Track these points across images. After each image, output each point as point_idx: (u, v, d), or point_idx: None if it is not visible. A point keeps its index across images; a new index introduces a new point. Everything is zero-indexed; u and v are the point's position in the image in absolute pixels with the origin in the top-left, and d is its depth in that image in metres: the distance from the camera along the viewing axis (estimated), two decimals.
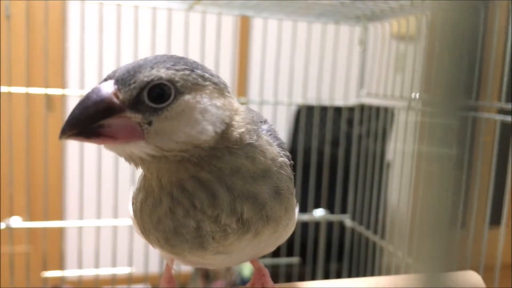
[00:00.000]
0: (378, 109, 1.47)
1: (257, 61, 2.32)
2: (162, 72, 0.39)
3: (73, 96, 1.13)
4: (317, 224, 1.35)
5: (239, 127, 0.43)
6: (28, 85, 1.06)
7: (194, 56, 1.17)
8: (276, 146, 0.47)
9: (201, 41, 1.16)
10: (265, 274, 0.54)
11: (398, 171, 1.26)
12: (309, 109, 1.59)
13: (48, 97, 1.10)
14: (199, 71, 0.42)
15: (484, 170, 0.93)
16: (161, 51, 1.16)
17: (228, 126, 0.42)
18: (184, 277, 2.19)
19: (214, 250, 0.45)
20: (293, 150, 1.90)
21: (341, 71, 1.34)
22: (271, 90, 1.30)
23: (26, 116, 1.08)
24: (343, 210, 1.40)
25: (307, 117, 1.55)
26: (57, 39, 2.12)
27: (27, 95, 1.06)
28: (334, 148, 1.48)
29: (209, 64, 1.18)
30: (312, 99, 1.33)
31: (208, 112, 0.41)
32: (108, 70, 1.21)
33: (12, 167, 1.05)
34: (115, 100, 0.39)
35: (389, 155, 2.05)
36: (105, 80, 0.41)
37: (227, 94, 0.44)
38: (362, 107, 1.40)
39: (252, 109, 0.52)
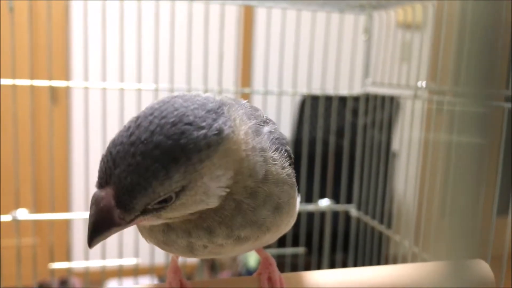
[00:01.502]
0: (383, 98, 1.46)
1: (261, 51, 2.31)
2: (157, 192, 0.39)
3: (77, 88, 1.13)
4: (322, 214, 1.35)
5: (248, 172, 0.43)
6: (32, 77, 1.06)
7: (198, 47, 1.17)
8: (281, 159, 0.46)
9: (204, 31, 1.15)
10: (271, 263, 0.54)
11: (405, 160, 1.26)
12: (314, 99, 1.58)
13: (52, 90, 1.09)
14: (195, 156, 0.38)
15: (491, 158, 0.93)
16: (164, 41, 1.16)
17: (235, 180, 0.42)
18: (190, 268, 2.20)
19: (206, 254, 0.47)
20: (297, 141, 1.90)
21: (346, 60, 1.33)
22: (275, 80, 1.29)
23: (30, 109, 1.08)
24: (349, 200, 1.39)
25: (311, 107, 1.54)
26: (60, 30, 2.12)
27: (31, 87, 1.06)
28: (339, 138, 1.47)
29: (213, 56, 1.18)
30: (316, 89, 1.32)
31: (210, 189, 0.41)
32: (112, 61, 1.21)
33: (18, 159, 1.06)
34: (122, 222, 0.41)
35: (395, 145, 2.04)
36: (105, 181, 0.40)
37: (226, 136, 0.40)
38: (367, 97, 1.39)
39: (251, 106, 0.50)
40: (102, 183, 0.40)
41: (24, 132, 1.12)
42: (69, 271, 1.35)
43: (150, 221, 0.42)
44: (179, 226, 0.44)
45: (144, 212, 0.41)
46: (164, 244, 0.46)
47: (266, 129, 0.47)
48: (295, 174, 0.50)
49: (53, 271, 1.18)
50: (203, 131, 0.38)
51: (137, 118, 0.40)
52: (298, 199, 0.54)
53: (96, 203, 0.40)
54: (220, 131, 0.39)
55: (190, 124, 0.38)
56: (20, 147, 1.07)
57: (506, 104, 0.87)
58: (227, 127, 0.40)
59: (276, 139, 0.47)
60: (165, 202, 0.40)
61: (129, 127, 0.40)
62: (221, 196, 0.42)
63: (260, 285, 0.51)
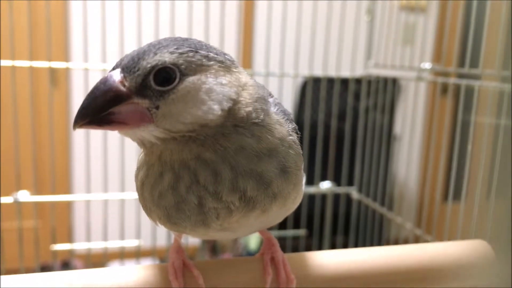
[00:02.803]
0: (386, 80, 1.45)
1: (263, 32, 2.29)
2: (166, 57, 0.41)
3: (76, 69, 1.12)
4: (323, 196, 1.35)
5: (246, 104, 0.43)
6: (32, 58, 1.05)
7: (198, 27, 1.16)
8: (286, 125, 0.47)
9: (205, 13, 1.13)
10: (274, 244, 0.54)
11: (406, 143, 1.25)
12: (316, 81, 1.57)
13: (52, 71, 1.09)
14: (203, 52, 0.42)
15: (488, 140, 0.92)
16: (164, 23, 1.15)
17: (235, 102, 0.43)
18: (192, 250, 2.22)
19: (218, 228, 0.45)
20: (299, 123, 1.88)
21: (348, 41, 1.32)
22: (277, 62, 1.28)
23: (30, 90, 1.07)
24: (350, 183, 1.39)
25: (313, 89, 1.53)
26: (59, 11, 2.10)
27: (31, 68, 1.05)
28: (341, 121, 1.47)
29: (214, 36, 1.17)
30: (318, 71, 1.31)
31: (214, 91, 0.41)
32: (111, 42, 1.20)
33: (18, 141, 1.05)
34: (122, 88, 0.41)
35: (397, 128, 2.04)
36: (113, 69, 0.42)
37: (234, 70, 0.44)
38: (369, 79, 1.38)
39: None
40: (112, 68, 0.42)
41: (24, 113, 1.11)
42: (71, 252, 1.36)
43: (144, 120, 0.41)
44: (181, 162, 0.43)
45: (144, 91, 0.41)
46: (176, 211, 0.44)
47: (271, 100, 0.48)
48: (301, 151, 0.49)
49: (55, 253, 1.18)
50: (214, 50, 0.44)
51: None
52: (304, 180, 0.54)
53: (99, 80, 0.42)
54: (227, 58, 0.44)
55: (202, 46, 0.44)
56: (21, 129, 1.06)
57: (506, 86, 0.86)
58: (234, 60, 0.45)
59: (282, 111, 0.48)
60: (167, 83, 0.40)
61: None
62: (223, 109, 0.41)
63: (263, 266, 0.51)
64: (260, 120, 0.44)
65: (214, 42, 1.22)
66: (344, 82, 1.41)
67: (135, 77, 0.41)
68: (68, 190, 2.25)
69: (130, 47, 1.23)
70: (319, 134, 1.30)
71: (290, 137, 0.47)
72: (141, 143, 0.43)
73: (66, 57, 2.10)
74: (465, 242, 0.60)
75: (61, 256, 1.84)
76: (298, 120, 1.94)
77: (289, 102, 1.87)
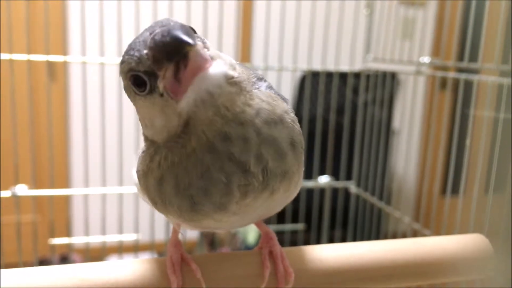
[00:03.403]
0: (384, 75, 1.45)
1: (261, 26, 2.28)
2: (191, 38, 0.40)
3: (74, 62, 1.12)
4: (322, 190, 1.35)
5: (243, 76, 0.44)
6: (29, 52, 1.04)
7: (196, 20, 1.15)
8: (284, 102, 0.48)
9: (203, 5, 1.13)
10: (272, 237, 0.53)
11: (405, 137, 1.25)
12: (314, 75, 1.57)
13: (50, 64, 1.08)
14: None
15: (487, 134, 0.92)
16: (163, 15, 1.14)
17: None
18: (190, 244, 2.22)
19: (233, 211, 0.45)
20: (297, 117, 1.89)
21: (347, 35, 1.31)
22: (276, 56, 1.28)
23: (28, 83, 1.07)
24: (348, 177, 1.39)
25: (312, 83, 1.53)
26: (57, 4, 2.09)
27: (29, 62, 1.04)
28: (340, 115, 1.47)
29: (212, 29, 1.17)
30: (317, 65, 1.31)
31: (226, 58, 0.44)
32: (109, 36, 1.19)
33: (17, 135, 1.05)
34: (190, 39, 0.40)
35: (395, 123, 2.04)
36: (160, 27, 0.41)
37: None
38: (368, 74, 1.38)
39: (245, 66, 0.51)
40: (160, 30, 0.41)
41: (23, 107, 1.11)
42: (69, 247, 1.36)
43: (207, 66, 0.41)
44: (218, 131, 0.42)
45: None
46: (204, 194, 0.43)
47: (263, 84, 0.48)
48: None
49: (53, 247, 1.18)
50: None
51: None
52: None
53: (166, 27, 0.41)
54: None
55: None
56: (19, 123, 1.06)
57: (505, 80, 0.86)
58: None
59: (276, 93, 0.49)
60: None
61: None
62: (234, 69, 0.43)
63: (262, 259, 0.51)
64: (258, 96, 0.45)
65: (212, 35, 1.22)
66: (343, 76, 1.41)
67: (198, 37, 0.43)
68: (66, 184, 2.25)
69: (128, 41, 1.23)
70: (318, 128, 1.30)
71: (292, 114, 0.48)
72: (199, 102, 0.42)
73: (64, 51, 2.09)
74: (463, 236, 0.60)
75: (60, 250, 1.84)
76: (297, 114, 1.93)
77: (287, 96, 1.87)
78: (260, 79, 0.49)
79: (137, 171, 0.48)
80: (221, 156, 0.42)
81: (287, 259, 0.51)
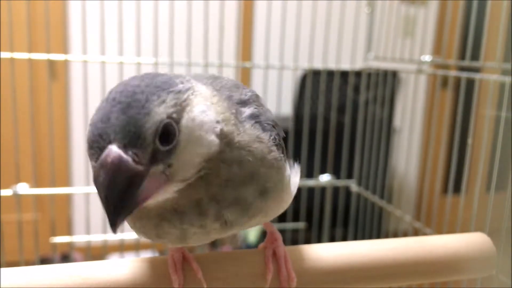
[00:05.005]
0: (385, 73, 1.45)
1: (262, 24, 2.28)
2: (159, 113, 0.37)
3: (75, 61, 1.12)
4: (323, 189, 1.35)
5: (225, 119, 0.42)
6: (30, 50, 1.04)
7: (198, 19, 1.15)
8: (266, 138, 0.45)
9: (204, 4, 1.13)
10: (277, 238, 0.53)
11: (406, 136, 1.25)
12: (315, 74, 1.57)
13: (51, 63, 1.08)
14: (175, 88, 0.40)
15: (488, 133, 0.92)
16: (164, 14, 1.14)
17: (219, 122, 0.41)
18: None
19: (197, 242, 0.46)
20: (298, 116, 1.89)
21: (348, 34, 1.31)
22: (277, 54, 1.28)
23: (29, 82, 1.07)
24: (349, 176, 1.39)
25: (313, 82, 1.53)
26: (58, 3, 2.09)
27: (30, 60, 1.04)
28: (341, 114, 1.47)
29: (213, 28, 1.16)
30: (318, 63, 1.31)
31: (204, 123, 0.40)
32: (110, 34, 1.19)
33: (18, 134, 1.05)
34: (139, 167, 0.37)
35: (396, 121, 2.03)
36: (102, 147, 0.37)
37: (196, 88, 0.42)
38: (369, 72, 1.38)
39: (226, 81, 0.49)
40: (99, 147, 0.37)
41: (24, 106, 1.11)
42: (70, 245, 1.36)
43: (163, 184, 0.39)
44: (176, 209, 0.42)
45: (156, 157, 0.38)
46: (157, 237, 0.45)
47: (247, 110, 0.46)
48: (285, 157, 0.48)
49: (55, 246, 1.18)
50: (177, 80, 0.41)
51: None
52: (296, 179, 0.53)
53: (101, 164, 0.36)
54: (188, 80, 0.42)
55: (167, 82, 0.40)
56: (20, 122, 1.06)
57: (507, 78, 0.86)
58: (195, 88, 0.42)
59: (258, 122, 0.46)
60: (169, 139, 0.38)
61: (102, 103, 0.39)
62: (217, 134, 0.40)
63: (265, 261, 0.51)
64: (239, 140, 0.43)
65: (213, 35, 1.22)
66: (344, 74, 1.41)
67: (145, 148, 0.37)
68: (67, 182, 2.25)
69: (129, 40, 1.23)
70: (319, 127, 1.30)
71: (272, 154, 0.45)
72: (162, 201, 0.42)
73: (65, 49, 2.09)
74: (465, 235, 0.60)
75: (61, 248, 1.84)
76: (298, 113, 1.93)
77: (288, 95, 1.87)
78: (243, 102, 0.46)
79: None
80: (169, 220, 0.43)
81: (290, 261, 0.51)
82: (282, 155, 0.47)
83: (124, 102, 0.37)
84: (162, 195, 0.40)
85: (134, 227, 0.46)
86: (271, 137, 0.46)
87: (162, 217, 0.43)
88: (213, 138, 0.40)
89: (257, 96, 0.49)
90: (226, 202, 0.43)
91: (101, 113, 0.38)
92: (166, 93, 0.39)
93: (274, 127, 0.47)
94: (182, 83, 0.40)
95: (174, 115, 0.38)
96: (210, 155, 0.40)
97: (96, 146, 0.37)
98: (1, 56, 1.01)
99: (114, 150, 0.36)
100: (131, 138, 0.36)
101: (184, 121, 0.39)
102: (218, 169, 0.41)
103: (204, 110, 0.40)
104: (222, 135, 0.41)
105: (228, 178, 0.42)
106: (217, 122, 0.41)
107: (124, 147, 0.36)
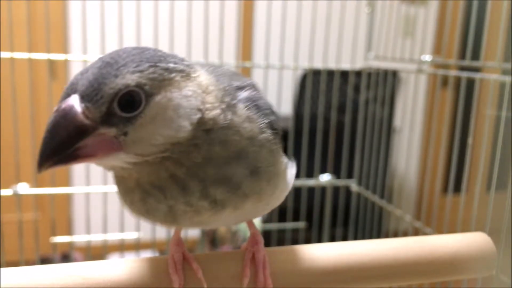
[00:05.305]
0: (386, 73, 1.45)
1: (262, 24, 2.28)
2: (128, 79, 0.37)
3: (75, 61, 1.12)
4: (323, 189, 1.35)
5: (213, 108, 0.41)
6: (31, 50, 1.04)
7: (198, 19, 1.15)
8: (258, 120, 0.45)
9: (204, 4, 1.13)
10: (258, 241, 0.51)
11: (406, 136, 1.25)
12: (315, 73, 1.57)
13: (51, 63, 1.08)
14: (162, 64, 0.39)
15: (489, 132, 0.92)
16: (164, 13, 1.14)
17: (202, 111, 0.41)
18: (191, 243, 2.22)
19: (188, 224, 0.45)
20: (299, 115, 1.89)
21: (348, 33, 1.31)
22: (277, 54, 1.28)
23: (29, 82, 1.07)
24: (349, 175, 1.39)
25: (313, 82, 1.53)
26: (58, 3, 2.09)
27: (30, 60, 1.04)
28: (341, 113, 1.47)
29: (213, 28, 1.16)
30: (318, 63, 1.31)
31: (181, 107, 0.39)
32: (110, 34, 1.19)
33: (18, 133, 1.05)
34: (86, 121, 0.37)
35: (397, 121, 2.03)
36: (67, 95, 0.38)
37: (193, 75, 0.41)
38: (369, 72, 1.38)
39: (227, 70, 0.49)
40: (66, 94, 0.38)
41: (24, 105, 1.11)
42: (71, 245, 1.36)
43: (112, 149, 0.38)
44: (152, 183, 0.42)
45: (109, 119, 0.37)
46: (147, 213, 0.44)
47: (243, 94, 0.46)
48: (280, 144, 0.47)
49: (55, 245, 1.18)
50: (172, 60, 0.41)
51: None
52: (292, 171, 0.52)
53: (56, 109, 0.37)
54: (186, 64, 0.41)
55: (157, 57, 0.40)
56: (20, 121, 1.06)
57: (507, 77, 0.86)
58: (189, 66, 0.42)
59: (254, 105, 0.45)
60: (132, 108, 0.37)
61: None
62: (192, 123, 0.39)
63: (243, 264, 0.50)
64: (227, 123, 0.42)
65: (214, 34, 1.22)
66: (344, 74, 1.41)
67: (99, 106, 0.37)
68: (67, 182, 2.25)
69: (129, 39, 1.23)
70: (319, 127, 1.30)
71: (263, 135, 0.44)
72: (112, 169, 0.42)
73: (65, 49, 2.09)
74: (465, 235, 0.60)
75: (61, 248, 1.84)
76: (298, 112, 1.93)
77: (288, 95, 1.87)
78: (241, 88, 0.46)
79: None
80: (152, 195, 0.42)
81: (268, 267, 0.50)
82: (276, 140, 0.46)
83: (105, 61, 0.38)
84: (110, 161, 0.39)
85: (125, 202, 0.45)
86: (266, 121, 0.45)
87: (145, 191, 0.42)
88: (185, 124, 0.39)
89: (255, 85, 0.49)
90: (210, 180, 0.42)
91: (85, 67, 0.40)
92: (148, 66, 0.39)
93: (273, 113, 0.47)
94: (175, 63, 0.40)
95: (147, 87, 0.38)
96: (177, 139, 0.39)
97: (64, 93, 0.38)
98: (1, 56, 1.01)
99: (71, 99, 0.37)
100: (90, 92, 0.37)
101: (159, 97, 0.38)
102: (188, 152, 0.41)
103: (188, 95, 0.40)
104: (200, 123, 0.40)
105: (208, 157, 0.41)
106: (199, 110, 0.40)
107: (82, 98, 0.37)
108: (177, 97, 0.39)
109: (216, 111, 0.41)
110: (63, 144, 0.37)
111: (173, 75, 0.39)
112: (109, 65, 0.38)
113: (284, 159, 0.49)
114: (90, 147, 0.38)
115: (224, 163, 0.42)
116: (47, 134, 0.37)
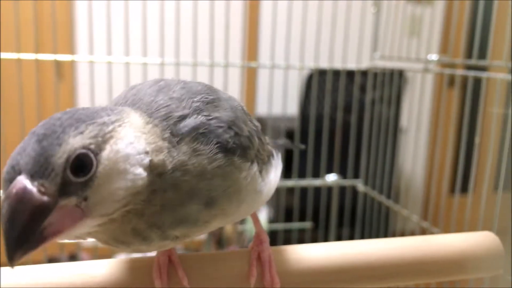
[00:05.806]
0: (392, 72, 1.44)
1: (268, 24, 2.28)
2: (73, 143, 0.36)
3: (82, 62, 1.12)
4: (329, 189, 1.35)
5: (159, 149, 0.40)
6: (37, 51, 1.05)
7: (204, 19, 1.15)
8: (206, 149, 0.42)
9: (210, 4, 1.13)
10: (263, 240, 0.51)
11: (413, 135, 1.24)
12: (321, 73, 1.57)
13: (57, 64, 1.09)
14: (98, 120, 0.38)
15: (496, 132, 0.92)
16: (170, 14, 1.14)
17: (149, 153, 0.39)
18: (198, 243, 2.22)
19: (160, 249, 0.44)
20: (304, 115, 1.88)
21: (354, 33, 1.31)
22: (282, 54, 1.28)
23: (36, 82, 1.08)
24: (356, 175, 1.39)
25: (319, 81, 1.53)
26: (65, 4, 2.10)
27: (37, 61, 1.05)
28: (347, 113, 1.46)
29: (219, 28, 1.17)
30: (324, 63, 1.30)
31: (130, 155, 0.38)
32: (116, 35, 1.19)
33: (24, 134, 1.05)
34: (44, 198, 0.35)
35: (403, 121, 2.03)
36: (12, 178, 0.35)
37: (126, 118, 0.40)
38: (375, 72, 1.38)
39: (171, 85, 0.46)
40: (9, 179, 0.35)
41: (30, 106, 1.11)
42: (78, 245, 1.36)
43: (77, 218, 0.37)
44: (116, 239, 0.41)
45: (66, 189, 0.36)
46: (121, 246, 0.43)
47: (188, 124, 0.42)
48: (244, 153, 0.45)
49: (62, 246, 1.19)
50: (103, 112, 0.39)
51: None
52: (278, 169, 0.52)
53: (6, 195, 0.34)
54: (115, 111, 0.40)
55: (90, 115, 0.38)
56: (27, 122, 1.07)
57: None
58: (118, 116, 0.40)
59: (201, 133, 0.42)
60: (85, 171, 0.36)
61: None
62: (145, 167, 0.38)
63: (249, 264, 0.50)
64: (174, 164, 0.40)
65: (219, 34, 1.22)
66: (350, 74, 1.40)
67: (53, 178, 0.35)
68: None
69: (136, 40, 1.23)
70: (325, 127, 1.30)
71: (213, 164, 0.42)
72: (81, 238, 0.40)
73: (71, 50, 2.10)
74: (472, 234, 0.59)
75: (69, 248, 1.85)
76: (304, 112, 1.93)
77: (294, 94, 1.86)
78: (183, 117, 0.43)
79: None
80: (122, 247, 0.42)
81: (275, 266, 0.50)
82: (234, 156, 0.44)
83: (41, 134, 0.36)
84: (78, 230, 0.38)
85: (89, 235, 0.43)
86: (218, 145, 0.42)
87: (112, 244, 0.42)
88: (139, 171, 0.38)
89: (208, 101, 0.45)
90: (167, 225, 0.41)
91: (20, 146, 0.37)
92: (86, 125, 0.37)
93: (231, 127, 0.44)
94: (108, 115, 0.39)
95: (92, 146, 0.36)
96: (137, 189, 0.38)
97: (7, 177, 0.35)
98: (9, 57, 1.02)
99: (19, 180, 0.35)
100: (39, 168, 0.35)
101: (106, 153, 0.37)
102: (149, 201, 0.39)
103: (132, 141, 0.38)
104: (152, 167, 0.39)
105: (163, 203, 0.40)
106: (146, 153, 0.39)
107: (32, 177, 0.35)
108: (123, 147, 0.38)
109: (163, 153, 0.40)
110: (29, 230, 0.35)
111: (111, 127, 0.38)
112: (47, 136, 0.36)
113: (252, 168, 0.46)
114: (56, 224, 0.36)
115: (178, 205, 0.41)
116: (7, 225, 0.34)
